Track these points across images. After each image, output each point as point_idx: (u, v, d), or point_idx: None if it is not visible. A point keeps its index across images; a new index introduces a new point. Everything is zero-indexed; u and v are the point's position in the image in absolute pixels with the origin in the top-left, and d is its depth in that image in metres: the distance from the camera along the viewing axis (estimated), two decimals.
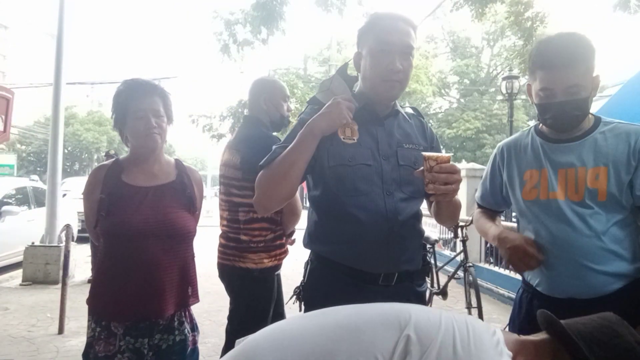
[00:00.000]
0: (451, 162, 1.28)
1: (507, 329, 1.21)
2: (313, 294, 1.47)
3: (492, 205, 1.72)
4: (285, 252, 2.33)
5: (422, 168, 1.30)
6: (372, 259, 1.39)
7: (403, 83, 1.43)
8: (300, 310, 1.51)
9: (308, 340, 0.91)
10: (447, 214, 1.51)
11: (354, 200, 1.39)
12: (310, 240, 1.51)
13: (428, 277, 1.55)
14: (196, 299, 1.75)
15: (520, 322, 1.55)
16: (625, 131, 1.41)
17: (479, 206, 1.79)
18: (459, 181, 1.29)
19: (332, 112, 1.35)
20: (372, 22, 1.45)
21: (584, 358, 0.95)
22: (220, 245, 2.32)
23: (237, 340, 1.10)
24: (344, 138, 1.42)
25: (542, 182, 1.48)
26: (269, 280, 2.24)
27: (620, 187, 1.37)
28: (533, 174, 1.51)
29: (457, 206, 1.50)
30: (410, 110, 1.60)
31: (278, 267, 2.30)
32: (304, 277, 1.51)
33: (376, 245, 1.38)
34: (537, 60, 1.42)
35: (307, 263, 1.53)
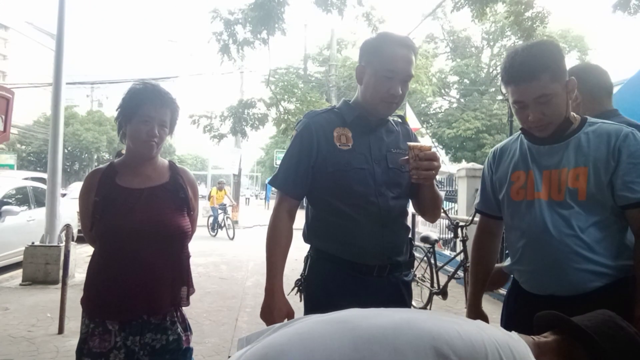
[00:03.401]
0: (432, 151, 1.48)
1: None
2: (313, 286, 1.60)
3: (490, 209, 1.72)
4: None
5: (406, 157, 1.49)
6: (368, 252, 1.55)
7: (399, 104, 1.59)
8: (300, 301, 1.63)
9: (336, 348, 0.89)
10: (429, 204, 1.65)
11: (350, 200, 1.55)
12: (309, 236, 1.65)
13: (413, 267, 1.75)
14: (192, 289, 1.81)
15: (506, 319, 1.64)
16: (606, 131, 1.43)
17: (479, 212, 1.78)
18: (438, 168, 1.49)
19: (273, 309, 1.52)
20: (380, 44, 1.56)
21: (599, 351, 1.00)
22: None
23: (240, 338, 1.10)
24: (339, 145, 1.57)
25: (528, 183, 1.52)
26: None
27: (599, 187, 1.39)
28: (520, 175, 1.55)
29: (437, 196, 1.65)
30: (397, 119, 1.75)
31: None
32: (305, 270, 1.64)
33: (371, 241, 1.55)
34: (503, 76, 1.48)
35: (307, 257, 1.66)
